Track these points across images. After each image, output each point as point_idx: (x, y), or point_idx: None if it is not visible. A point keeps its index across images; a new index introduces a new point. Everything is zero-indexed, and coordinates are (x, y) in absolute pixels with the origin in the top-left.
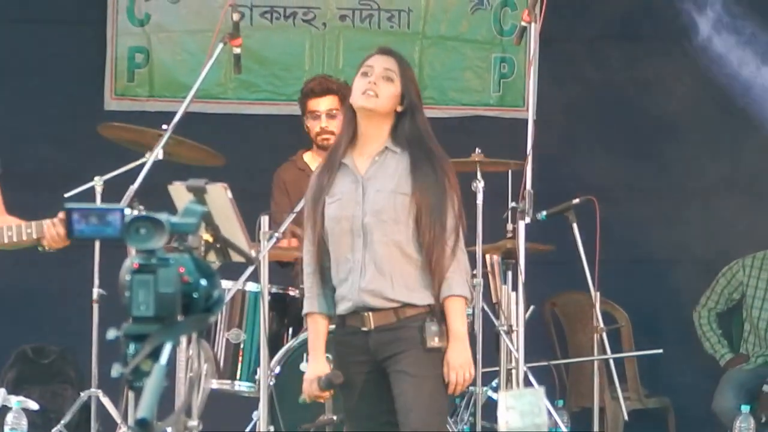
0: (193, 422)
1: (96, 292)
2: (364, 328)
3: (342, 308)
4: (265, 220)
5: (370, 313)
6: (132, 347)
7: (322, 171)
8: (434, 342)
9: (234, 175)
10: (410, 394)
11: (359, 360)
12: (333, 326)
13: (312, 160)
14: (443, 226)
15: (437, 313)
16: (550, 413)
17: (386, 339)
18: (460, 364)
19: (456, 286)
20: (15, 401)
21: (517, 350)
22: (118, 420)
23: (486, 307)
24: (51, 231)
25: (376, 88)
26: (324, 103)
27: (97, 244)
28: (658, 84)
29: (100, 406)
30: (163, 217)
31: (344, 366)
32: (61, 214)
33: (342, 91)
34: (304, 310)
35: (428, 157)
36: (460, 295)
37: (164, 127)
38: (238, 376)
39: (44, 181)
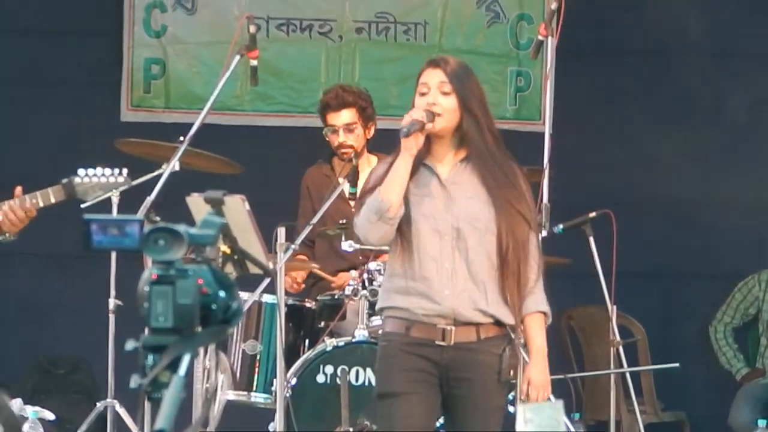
0: None
1: (112, 302)
2: (441, 343)
3: (415, 307)
4: (281, 231)
5: (453, 328)
6: (150, 358)
7: (387, 168)
8: (510, 375)
9: (250, 187)
10: (479, 427)
11: (421, 369)
12: (384, 333)
13: (339, 165)
14: (527, 238)
15: (514, 336)
16: (567, 426)
17: (462, 358)
18: (542, 384)
19: (542, 303)
20: (31, 411)
21: None
22: (135, 431)
23: None
24: (10, 216)
25: (436, 109)
26: (341, 117)
27: (114, 255)
28: (675, 98)
29: (116, 416)
30: (181, 228)
31: (399, 373)
32: (18, 191)
33: (360, 102)
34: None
35: (501, 166)
36: (545, 312)
37: (181, 138)
38: (254, 388)
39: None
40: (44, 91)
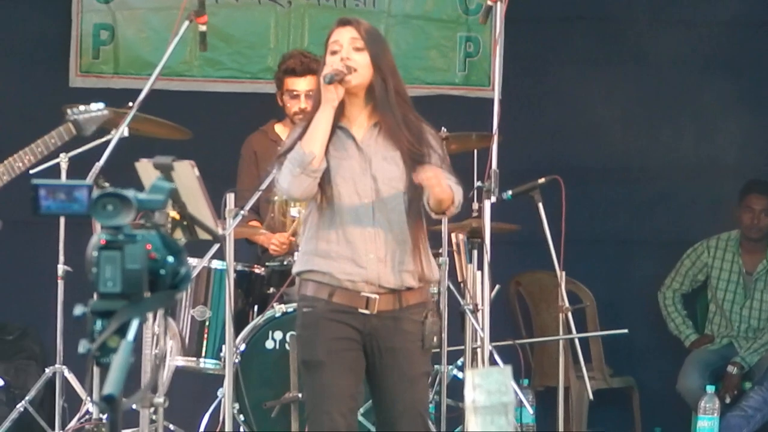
0: (159, 399)
1: (61, 268)
2: (364, 311)
3: (338, 271)
4: (230, 197)
5: (377, 297)
6: (99, 324)
7: (304, 128)
8: (434, 342)
9: (200, 153)
10: (407, 395)
11: (345, 337)
12: (305, 296)
13: (284, 132)
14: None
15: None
16: (516, 392)
17: (386, 327)
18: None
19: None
20: None
21: (483, 329)
22: (84, 396)
23: (451, 286)
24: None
25: (351, 63)
26: (304, 84)
27: (62, 221)
28: (624, 64)
29: (65, 382)
30: (130, 193)
31: (323, 342)
32: None
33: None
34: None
35: (410, 127)
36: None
37: (130, 104)
38: (203, 354)
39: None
40: None
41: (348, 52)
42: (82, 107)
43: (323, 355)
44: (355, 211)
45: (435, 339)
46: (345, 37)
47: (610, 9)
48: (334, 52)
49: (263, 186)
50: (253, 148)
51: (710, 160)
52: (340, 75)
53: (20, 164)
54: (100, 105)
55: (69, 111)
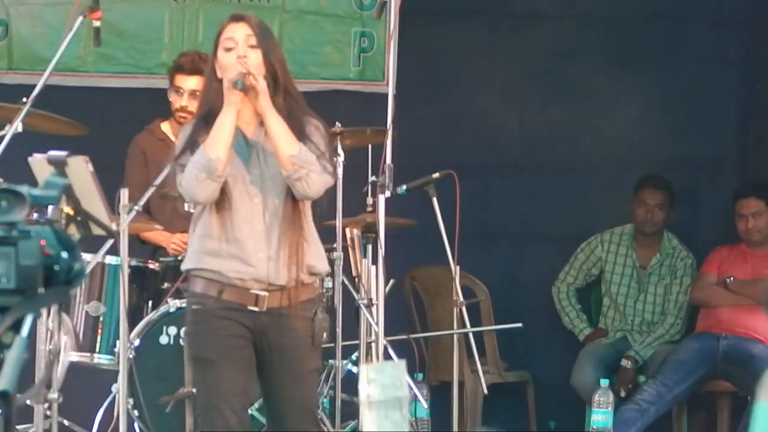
0: (53, 395)
1: None
2: (253, 308)
3: (228, 270)
4: (124, 192)
5: (266, 294)
6: None
7: (198, 125)
8: (324, 338)
9: (94, 149)
10: (296, 391)
11: (235, 334)
12: (194, 293)
13: (171, 130)
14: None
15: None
16: (410, 386)
17: (275, 324)
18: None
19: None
20: None
21: (377, 324)
22: None
23: (346, 281)
24: None
25: (248, 62)
26: (190, 82)
27: None
28: (517, 58)
29: None
30: (23, 189)
31: (213, 339)
32: None
33: None
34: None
35: (296, 121)
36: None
37: (24, 100)
38: (97, 349)
39: None
40: None
41: (244, 50)
42: None
43: (213, 352)
44: (245, 209)
45: (325, 335)
46: (240, 35)
47: (505, 4)
48: (228, 49)
49: (156, 182)
50: (141, 148)
51: (605, 154)
52: (248, 81)
53: None
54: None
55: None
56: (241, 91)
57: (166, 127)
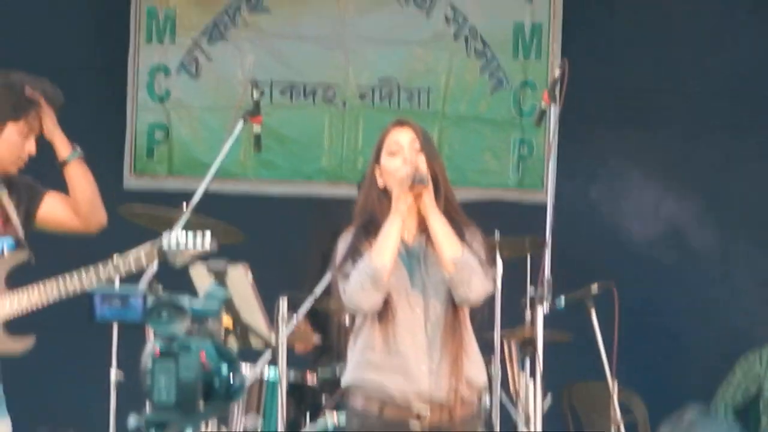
0: None
1: (114, 373)
2: (414, 426)
3: (391, 384)
4: (283, 302)
5: (428, 413)
6: None
7: (359, 233)
8: None
9: (252, 255)
10: None
11: None
12: (354, 409)
13: None
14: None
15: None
16: None
17: None
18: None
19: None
20: None
21: None
22: None
23: (503, 396)
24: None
25: (419, 167)
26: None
27: (115, 325)
28: (674, 168)
29: None
30: (185, 301)
31: None
32: None
33: None
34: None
35: (459, 231)
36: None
37: (184, 205)
38: None
39: (63, 260)
40: (47, 158)
41: (410, 154)
42: (175, 235)
43: None
44: (407, 319)
45: None
46: (405, 139)
47: (664, 113)
48: (393, 153)
49: (317, 291)
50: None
51: None
52: (424, 178)
53: (77, 285)
54: (203, 234)
55: (164, 234)
56: (421, 186)
57: None
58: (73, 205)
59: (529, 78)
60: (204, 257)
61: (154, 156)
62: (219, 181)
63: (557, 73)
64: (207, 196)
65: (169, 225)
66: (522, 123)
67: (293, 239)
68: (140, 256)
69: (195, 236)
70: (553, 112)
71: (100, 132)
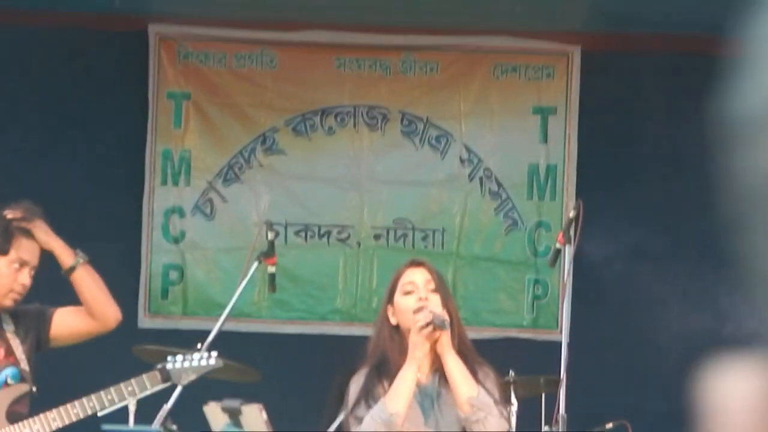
0: None
1: None
2: None
3: None
4: None
5: None
6: None
7: (372, 374)
8: None
9: (267, 395)
10: None
11: None
12: None
13: None
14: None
15: None
16: None
17: None
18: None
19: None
20: None
21: None
22: None
23: None
24: None
25: (434, 308)
26: None
27: None
28: (693, 304)
29: None
30: None
31: None
32: None
33: None
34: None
35: (472, 371)
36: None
37: (198, 346)
38: None
39: (72, 395)
40: (61, 298)
41: (425, 293)
42: (181, 356)
43: None
44: None
45: None
46: (420, 279)
47: (671, 243)
48: (407, 293)
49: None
50: None
51: None
52: (445, 323)
53: (80, 412)
54: (207, 355)
55: (168, 358)
56: (441, 330)
57: None
58: (87, 309)
59: (543, 218)
60: (207, 372)
61: (169, 297)
62: (234, 321)
63: (572, 213)
64: (221, 335)
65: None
66: (536, 263)
67: (308, 378)
68: (143, 380)
69: (201, 355)
70: (568, 252)
71: (116, 272)
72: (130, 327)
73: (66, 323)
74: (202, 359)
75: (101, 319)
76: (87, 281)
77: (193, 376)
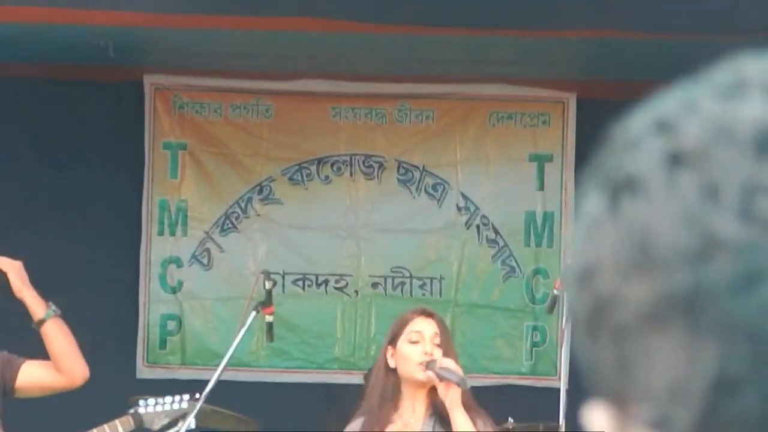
0: None
1: None
2: None
3: None
4: None
5: None
6: None
7: (371, 419)
8: None
9: None
10: None
11: None
12: None
13: None
14: None
15: None
16: None
17: None
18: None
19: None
20: None
21: None
22: None
23: None
24: None
25: (445, 363)
26: None
27: None
28: None
29: None
30: None
31: None
32: None
33: None
34: None
35: (473, 419)
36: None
37: (197, 396)
38: None
39: None
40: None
41: (431, 347)
42: (151, 400)
43: None
44: None
45: None
46: (428, 331)
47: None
48: (414, 342)
49: None
50: None
51: None
52: (466, 382)
53: None
54: (179, 398)
55: (140, 402)
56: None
57: None
58: (54, 363)
59: (541, 265)
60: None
61: (167, 347)
62: (232, 371)
63: (569, 260)
64: (219, 385)
65: (182, 415)
66: (534, 310)
67: (307, 427)
68: (116, 425)
69: (173, 398)
70: (566, 299)
71: (114, 322)
72: (129, 377)
73: (33, 375)
74: (174, 402)
75: (68, 375)
76: (57, 335)
77: (165, 420)
